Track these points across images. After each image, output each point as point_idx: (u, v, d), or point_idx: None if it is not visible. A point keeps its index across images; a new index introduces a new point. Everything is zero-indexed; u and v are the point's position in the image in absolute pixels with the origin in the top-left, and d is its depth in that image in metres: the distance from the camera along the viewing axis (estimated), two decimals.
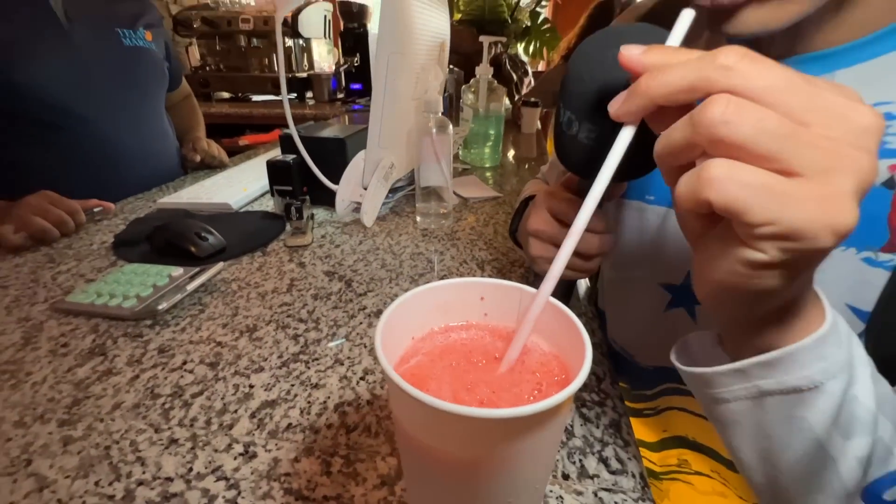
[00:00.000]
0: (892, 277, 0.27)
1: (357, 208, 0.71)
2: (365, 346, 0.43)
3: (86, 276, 0.56)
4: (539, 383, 0.20)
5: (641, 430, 0.46)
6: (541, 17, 1.98)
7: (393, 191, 0.85)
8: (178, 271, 0.52)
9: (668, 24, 0.19)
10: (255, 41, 2.20)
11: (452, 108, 1.60)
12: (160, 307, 0.45)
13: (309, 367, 0.40)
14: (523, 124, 1.53)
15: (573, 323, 0.20)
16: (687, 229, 0.20)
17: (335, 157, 0.75)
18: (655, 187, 0.41)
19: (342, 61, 2.22)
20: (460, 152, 1.12)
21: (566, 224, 0.37)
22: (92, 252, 0.62)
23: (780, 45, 0.30)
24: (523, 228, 0.44)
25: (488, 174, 1.02)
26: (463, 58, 1.77)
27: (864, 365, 0.21)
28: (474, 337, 0.23)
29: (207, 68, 2.26)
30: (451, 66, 1.77)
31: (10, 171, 0.74)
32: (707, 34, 0.37)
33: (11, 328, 0.45)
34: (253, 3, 2.28)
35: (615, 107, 0.18)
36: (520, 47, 2.06)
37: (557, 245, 0.38)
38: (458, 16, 1.95)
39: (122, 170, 0.84)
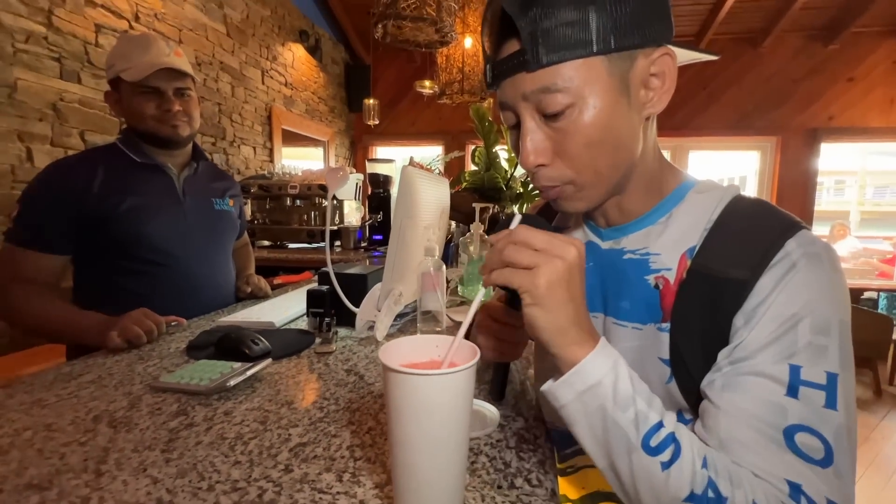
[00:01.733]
0: (671, 338, 0.45)
1: (372, 326, 0.92)
2: (370, 414, 0.59)
3: (167, 368, 0.75)
4: None
5: (567, 487, 0.57)
6: (531, 186, 2.43)
7: (401, 316, 1.06)
8: (237, 365, 0.71)
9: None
10: (297, 202, 2.70)
11: (456, 253, 1.91)
12: (229, 384, 0.63)
13: (329, 425, 0.56)
14: None
15: (472, 346, 0.39)
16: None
17: (358, 288, 0.98)
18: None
19: (367, 217, 2.67)
20: (458, 288, 1.36)
21: (499, 321, 0.56)
22: (170, 353, 0.82)
23: (601, 218, 0.54)
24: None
25: None
26: (466, 216, 2.15)
27: (623, 368, 0.38)
28: (430, 362, 0.42)
29: (255, 221, 2.72)
30: (458, 224, 2.16)
31: (120, 293, 0.98)
32: None
33: (120, 398, 0.63)
34: (300, 174, 2.84)
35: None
36: (514, 207, 2.48)
37: (494, 336, 0.57)
38: (464, 184, 2.41)
39: (195, 296, 1.09)
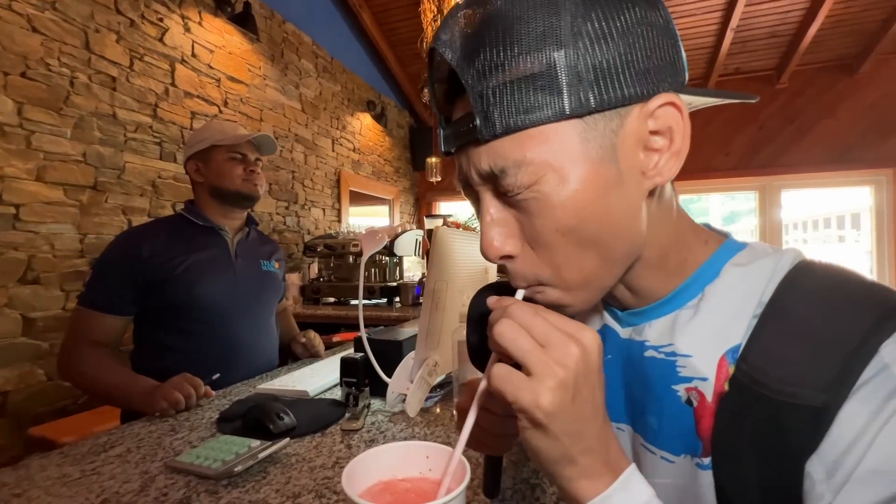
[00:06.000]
0: (716, 483, 0.32)
1: (405, 400, 0.85)
2: None
3: (192, 442, 0.73)
4: None
5: None
6: None
7: (440, 386, 0.98)
8: (255, 443, 0.67)
9: None
10: (360, 259, 2.78)
11: None
12: (236, 469, 0.59)
13: None
14: None
15: (463, 463, 0.31)
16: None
17: (394, 356, 0.93)
18: None
19: (426, 273, 2.66)
20: None
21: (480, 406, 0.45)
22: (202, 425, 0.80)
23: (613, 300, 0.41)
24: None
25: None
26: None
27: None
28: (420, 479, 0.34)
29: (321, 279, 2.84)
30: None
31: (169, 352, 1.02)
32: None
33: (135, 478, 0.61)
34: (363, 232, 2.95)
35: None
36: None
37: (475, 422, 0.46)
38: None
39: (239, 356, 1.12)
